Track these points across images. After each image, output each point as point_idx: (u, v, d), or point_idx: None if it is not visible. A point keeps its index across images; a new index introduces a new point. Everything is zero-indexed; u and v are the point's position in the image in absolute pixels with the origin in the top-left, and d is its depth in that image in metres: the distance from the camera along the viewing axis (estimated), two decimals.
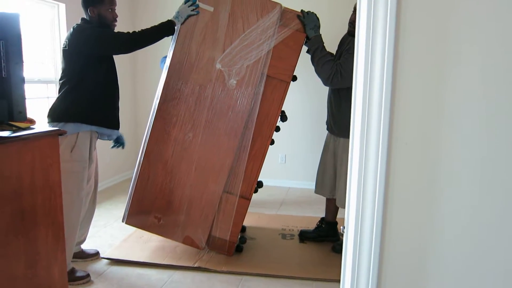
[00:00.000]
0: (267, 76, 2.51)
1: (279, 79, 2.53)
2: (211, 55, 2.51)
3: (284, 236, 3.12)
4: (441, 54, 1.08)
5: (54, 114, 2.32)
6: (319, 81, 2.66)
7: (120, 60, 3.39)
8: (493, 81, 1.06)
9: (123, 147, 2.69)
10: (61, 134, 1.61)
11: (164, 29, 2.41)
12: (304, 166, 4.37)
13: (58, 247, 1.74)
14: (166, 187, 2.60)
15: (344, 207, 2.75)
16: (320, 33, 2.54)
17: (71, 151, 2.26)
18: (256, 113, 2.53)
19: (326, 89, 2.87)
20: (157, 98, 2.59)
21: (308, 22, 2.47)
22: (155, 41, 2.41)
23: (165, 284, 2.39)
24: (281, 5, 2.47)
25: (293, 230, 3.24)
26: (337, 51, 2.76)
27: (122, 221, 2.80)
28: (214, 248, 2.71)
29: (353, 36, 2.64)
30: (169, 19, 2.45)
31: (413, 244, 1.16)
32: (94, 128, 2.36)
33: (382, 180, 1.09)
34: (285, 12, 2.48)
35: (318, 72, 2.56)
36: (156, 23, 2.45)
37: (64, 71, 2.35)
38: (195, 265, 2.59)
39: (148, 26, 2.43)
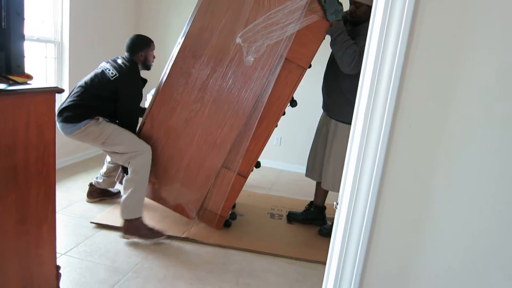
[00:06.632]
0: (286, 59, 2.44)
1: (297, 64, 2.47)
2: (233, 28, 2.43)
3: (272, 216, 3.16)
4: (455, 42, 1.07)
5: (75, 118, 2.50)
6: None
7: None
8: (507, 75, 1.06)
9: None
10: (59, 92, 1.59)
11: None
12: (299, 150, 4.38)
13: (49, 206, 1.74)
14: (165, 153, 2.60)
15: (329, 189, 2.80)
16: (341, 18, 2.45)
17: (98, 125, 2.51)
18: (268, 94, 2.49)
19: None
20: (170, 62, 2.54)
21: (328, 7, 2.38)
22: None
23: (151, 251, 2.42)
24: None
25: (281, 210, 3.27)
26: None
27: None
28: (203, 220, 2.74)
29: (355, 25, 2.62)
30: None
31: (404, 228, 1.18)
32: None
33: (381, 159, 1.10)
34: None
35: (340, 56, 2.45)
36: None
37: (97, 88, 2.55)
38: (183, 235, 2.62)
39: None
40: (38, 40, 3.43)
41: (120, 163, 2.61)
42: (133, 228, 2.50)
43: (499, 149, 1.09)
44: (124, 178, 2.56)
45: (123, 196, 2.52)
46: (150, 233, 2.52)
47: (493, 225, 1.13)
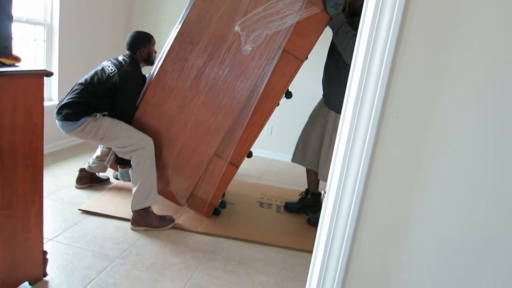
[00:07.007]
0: (283, 50, 2.43)
1: (294, 56, 2.45)
2: (232, 16, 2.40)
3: (261, 205, 3.17)
4: (446, 36, 1.07)
5: (74, 116, 2.48)
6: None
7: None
8: (498, 69, 1.06)
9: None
10: (47, 75, 1.57)
11: None
12: (290, 140, 4.36)
13: (36, 190, 1.73)
14: (157, 139, 2.58)
15: (326, 181, 2.80)
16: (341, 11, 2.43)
17: (95, 121, 2.49)
18: (264, 84, 2.47)
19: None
20: (166, 48, 2.51)
21: (328, 0, 2.37)
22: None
23: (140, 238, 2.42)
24: None
25: (271, 199, 3.29)
26: None
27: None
28: (193, 207, 2.74)
29: (353, 16, 2.62)
30: None
31: (390, 218, 1.20)
32: None
33: (369, 149, 1.11)
34: None
35: (344, 48, 2.45)
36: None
37: (96, 86, 2.51)
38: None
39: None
40: (27, 21, 3.36)
41: (122, 156, 2.58)
42: (141, 219, 2.50)
43: (489, 141, 1.09)
44: (130, 171, 2.55)
45: (133, 189, 2.51)
46: (160, 222, 2.53)
47: (485, 221, 1.13)
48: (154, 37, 2.79)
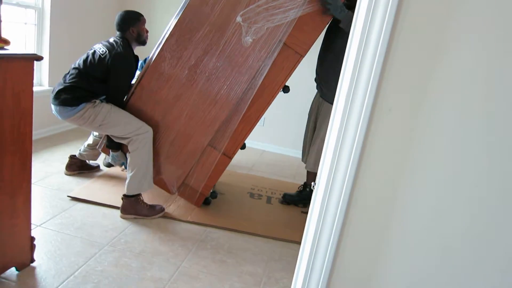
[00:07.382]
0: (284, 44, 2.41)
1: (294, 51, 2.44)
2: (234, 6, 2.37)
3: (252, 195, 3.18)
4: (440, 28, 1.06)
5: (72, 101, 2.45)
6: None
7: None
8: (492, 64, 1.06)
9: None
10: (37, 59, 1.54)
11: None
12: (281, 132, 4.39)
13: (24, 176, 1.72)
14: (152, 125, 2.56)
15: (311, 170, 2.82)
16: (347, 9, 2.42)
17: (94, 107, 2.46)
18: (262, 77, 2.45)
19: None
20: (166, 33, 2.48)
21: (333, 10, 2.35)
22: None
23: (129, 226, 2.42)
24: None
25: (261, 190, 3.30)
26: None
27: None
28: (184, 196, 2.74)
29: (350, 8, 2.61)
30: None
31: (377, 212, 1.21)
32: None
33: (360, 141, 1.11)
34: None
35: None
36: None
37: (89, 69, 2.48)
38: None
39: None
40: (18, 4, 3.29)
41: (120, 141, 2.56)
42: (130, 207, 2.50)
43: (483, 136, 1.09)
44: (128, 155, 2.54)
45: (128, 174, 2.51)
46: (149, 211, 2.54)
47: (481, 220, 1.13)
48: (148, 19, 2.74)
